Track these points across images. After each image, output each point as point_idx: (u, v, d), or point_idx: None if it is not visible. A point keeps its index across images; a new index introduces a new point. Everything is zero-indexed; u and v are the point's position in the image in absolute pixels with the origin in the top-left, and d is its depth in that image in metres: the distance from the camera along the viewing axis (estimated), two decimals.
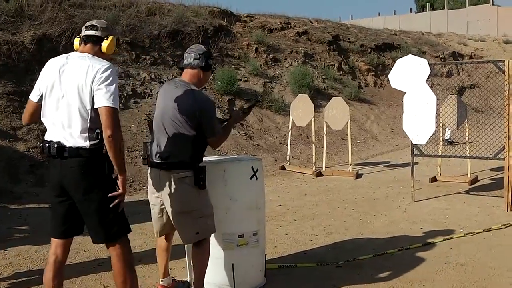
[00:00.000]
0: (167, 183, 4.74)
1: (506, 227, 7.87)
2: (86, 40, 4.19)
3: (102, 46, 4.18)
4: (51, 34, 14.03)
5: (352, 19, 51.65)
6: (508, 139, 9.09)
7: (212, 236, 5.06)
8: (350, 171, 12.68)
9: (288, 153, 13.85)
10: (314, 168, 12.98)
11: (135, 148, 12.31)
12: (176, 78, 5.18)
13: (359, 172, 12.80)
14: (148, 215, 8.43)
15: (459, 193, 10.32)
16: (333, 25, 27.87)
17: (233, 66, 18.66)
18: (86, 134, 3.97)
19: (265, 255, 5.70)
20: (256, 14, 24.52)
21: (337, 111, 12.97)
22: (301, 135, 16.09)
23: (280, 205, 9.50)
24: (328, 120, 13.18)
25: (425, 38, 33.38)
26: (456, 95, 11.81)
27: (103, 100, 3.88)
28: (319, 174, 12.72)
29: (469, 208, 9.13)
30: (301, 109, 13.37)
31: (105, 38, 4.19)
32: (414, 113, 9.28)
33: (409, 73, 9.43)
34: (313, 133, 13.40)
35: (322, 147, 13.45)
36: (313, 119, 13.15)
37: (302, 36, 23.70)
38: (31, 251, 6.82)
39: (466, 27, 41.86)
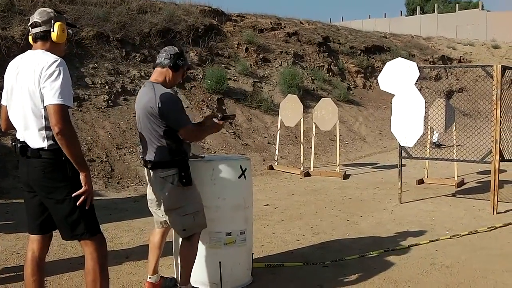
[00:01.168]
0: (154, 182, 4.88)
1: (491, 230, 7.94)
2: (34, 38, 4.09)
3: (52, 38, 4.07)
4: None
5: (342, 20, 51.87)
6: (496, 143, 9.16)
7: (200, 234, 5.08)
8: (338, 171, 12.73)
9: (277, 152, 13.90)
10: (302, 168, 13.02)
11: (124, 145, 12.31)
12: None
13: (347, 173, 12.85)
14: (136, 212, 8.52)
15: (446, 195, 10.39)
16: (324, 26, 27.93)
17: (223, 65, 18.68)
18: (44, 134, 3.90)
19: (252, 254, 5.72)
20: (247, 14, 24.54)
21: (326, 112, 13.02)
22: (289, 135, 16.14)
23: (267, 205, 9.53)
24: (316, 120, 13.22)
25: (415, 41, 33.52)
26: (444, 99, 11.88)
27: (48, 97, 3.77)
28: (307, 174, 12.76)
29: (455, 210, 9.20)
30: (290, 109, 13.41)
31: (52, 29, 4.06)
32: (403, 116, 9.33)
33: (398, 76, 9.48)
34: (302, 134, 13.43)
35: (311, 148, 13.51)
36: (301, 119, 13.19)
37: (292, 37, 23.75)
38: (18, 246, 6.82)
39: (455, 31, 42.09)
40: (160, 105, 4.72)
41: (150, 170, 4.88)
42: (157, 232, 5.31)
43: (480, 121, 12.72)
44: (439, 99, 11.82)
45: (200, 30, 19.41)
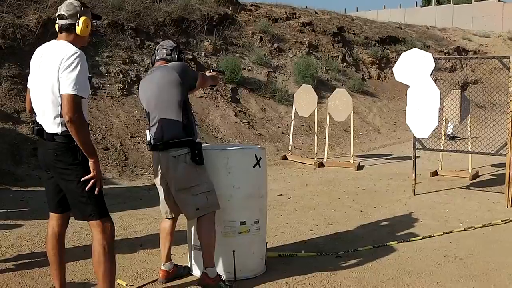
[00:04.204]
0: (166, 163, 5.00)
1: (505, 222, 7.90)
2: (60, 29, 4.29)
3: (76, 31, 4.26)
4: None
5: (357, 11, 51.50)
6: (511, 136, 9.11)
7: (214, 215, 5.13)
8: (352, 162, 12.69)
9: (290, 143, 13.88)
10: (315, 159, 13.00)
11: (138, 134, 12.35)
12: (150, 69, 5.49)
13: (361, 164, 12.82)
14: (150, 201, 8.56)
15: (460, 188, 10.34)
16: (338, 16, 27.82)
17: (237, 55, 18.65)
18: (59, 121, 4.12)
19: (266, 243, 5.74)
20: (262, 4, 24.51)
21: (340, 102, 12.97)
22: (303, 125, 16.12)
23: (281, 195, 9.54)
24: (331, 111, 13.19)
25: (430, 32, 33.30)
26: (459, 90, 11.79)
27: (64, 87, 3.99)
28: (321, 164, 12.74)
29: (469, 203, 9.16)
30: (304, 99, 13.38)
31: (77, 23, 4.24)
32: (418, 107, 9.29)
33: (413, 67, 9.44)
34: (316, 124, 13.41)
35: (324, 138, 13.47)
36: (316, 110, 13.16)
37: (307, 27, 23.66)
38: (33, 233, 6.87)
39: (471, 22, 41.73)
40: (178, 72, 5.03)
41: (161, 152, 5.01)
42: (167, 219, 5.36)
43: (496, 113, 12.63)
44: (454, 90, 11.74)
45: (214, 20, 19.38)
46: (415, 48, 10.13)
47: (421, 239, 6.94)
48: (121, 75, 14.08)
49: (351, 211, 8.50)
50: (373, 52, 24.68)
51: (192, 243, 5.46)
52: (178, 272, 5.46)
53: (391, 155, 14.51)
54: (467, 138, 11.62)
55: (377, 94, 21.90)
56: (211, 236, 5.02)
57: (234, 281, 5.18)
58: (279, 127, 15.79)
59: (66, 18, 4.24)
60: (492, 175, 11.64)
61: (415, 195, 9.60)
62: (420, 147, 10.01)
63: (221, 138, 13.92)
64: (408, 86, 9.53)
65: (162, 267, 5.33)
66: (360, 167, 12.54)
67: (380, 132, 18.14)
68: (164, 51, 5.29)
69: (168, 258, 5.35)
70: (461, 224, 7.71)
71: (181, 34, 17.49)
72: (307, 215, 8.14)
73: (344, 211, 8.48)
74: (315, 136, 13.48)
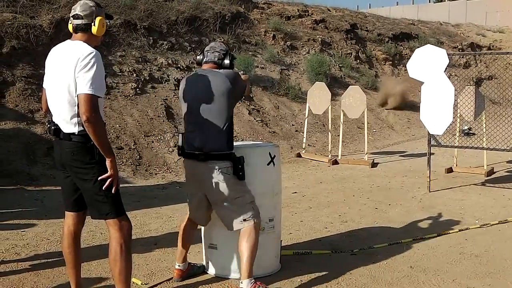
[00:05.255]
0: (207, 174, 4.89)
1: None
2: (75, 29, 4.30)
3: (92, 31, 4.28)
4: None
5: (370, 7, 51.34)
6: None
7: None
8: (366, 160, 12.65)
9: (304, 140, 13.84)
10: (330, 156, 12.97)
11: (152, 133, 12.36)
12: (197, 71, 5.23)
13: (375, 161, 12.78)
14: (164, 200, 8.59)
15: (475, 184, 10.28)
16: (351, 13, 27.70)
17: (250, 53, 18.63)
18: (75, 121, 4.15)
19: (281, 241, 5.73)
20: (274, 1, 24.45)
21: (354, 99, 12.92)
22: (317, 123, 16.06)
23: (295, 192, 9.52)
24: (344, 108, 13.14)
25: (443, 28, 33.11)
26: (474, 86, 11.74)
27: (81, 87, 4.01)
28: (335, 162, 12.71)
29: (484, 199, 9.10)
30: (317, 97, 13.34)
31: (93, 23, 4.26)
32: (432, 103, 9.23)
33: (427, 63, 9.38)
34: (330, 121, 13.36)
35: (338, 135, 13.44)
36: (329, 107, 13.12)
37: (320, 24, 23.59)
38: (48, 233, 6.91)
39: (485, 18, 41.47)
40: (232, 82, 4.89)
41: (200, 162, 4.90)
42: (189, 221, 5.34)
43: (511, 109, 12.53)
44: (468, 86, 11.68)
45: (227, 18, 19.38)
46: (428, 44, 10.07)
47: (436, 236, 6.91)
48: (134, 74, 14.10)
49: (365, 208, 8.47)
50: (386, 49, 24.57)
51: (207, 242, 5.47)
52: (193, 270, 5.46)
53: (405, 152, 14.45)
54: (482, 134, 11.55)
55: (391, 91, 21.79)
56: (255, 248, 4.92)
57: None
58: (292, 125, 15.76)
59: (82, 18, 4.25)
60: (507, 172, 11.57)
61: (430, 192, 9.55)
62: (435, 143, 9.96)
63: (235, 136, 13.90)
64: (422, 83, 9.48)
65: (177, 267, 5.34)
66: (374, 164, 12.50)
67: (394, 129, 18.05)
68: (217, 54, 5.09)
69: (185, 259, 5.36)
70: (477, 221, 7.66)
71: (193, 32, 17.50)
72: (322, 213, 8.12)
73: (359, 208, 8.46)
74: (329, 133, 13.45)
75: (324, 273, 5.54)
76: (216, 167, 4.83)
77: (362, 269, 5.65)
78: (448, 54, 9.45)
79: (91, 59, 4.05)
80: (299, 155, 13.41)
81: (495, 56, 25.54)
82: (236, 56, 5.42)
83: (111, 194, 4.19)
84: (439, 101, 9.15)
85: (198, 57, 5.27)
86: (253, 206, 4.99)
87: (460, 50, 28.24)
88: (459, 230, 7.16)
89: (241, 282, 4.90)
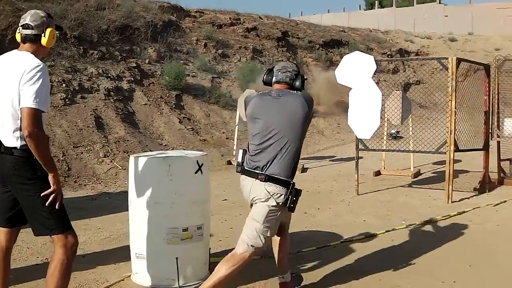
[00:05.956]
0: (260, 190, 4.67)
1: (446, 218, 8.11)
2: (24, 39, 4.18)
3: (42, 42, 4.17)
4: None
5: (301, 15, 51.97)
6: (450, 134, 9.33)
7: (156, 230, 5.16)
8: None
9: (235, 147, 13.88)
10: None
11: (81, 143, 12.20)
12: (271, 90, 4.93)
13: (305, 166, 12.93)
14: (93, 211, 8.49)
15: (402, 186, 10.55)
16: (282, 21, 28.01)
17: (181, 62, 18.64)
18: (18, 134, 4.02)
19: (210, 248, 5.74)
20: (206, 10, 24.55)
21: None
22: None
23: (225, 200, 9.54)
24: None
25: (373, 35, 33.79)
26: (401, 91, 12.02)
27: (24, 100, 3.89)
28: None
29: (411, 200, 9.35)
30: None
31: (43, 34, 4.15)
32: (359, 108, 9.40)
33: (355, 69, 9.55)
34: None
35: None
36: None
37: (251, 32, 23.80)
38: None
39: (413, 24, 42.50)
40: (310, 107, 4.70)
41: (258, 180, 4.68)
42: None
43: (436, 112, 12.90)
44: (395, 91, 11.96)
45: (158, 26, 19.36)
46: (356, 51, 10.26)
47: (364, 238, 7.05)
48: (64, 85, 13.89)
49: (295, 213, 8.46)
50: (317, 56, 24.92)
51: (134, 251, 5.45)
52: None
53: (335, 156, 14.68)
54: (409, 137, 11.83)
55: (322, 97, 22.06)
56: (231, 277, 4.68)
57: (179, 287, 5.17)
58: (223, 133, 15.81)
59: (32, 29, 4.13)
60: (433, 173, 11.90)
61: (358, 195, 9.74)
62: (363, 147, 10.15)
63: (165, 145, 13.86)
64: (351, 88, 9.65)
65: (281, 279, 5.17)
66: (304, 170, 12.64)
67: (324, 135, 18.32)
68: (289, 74, 4.85)
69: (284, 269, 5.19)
70: (403, 222, 7.86)
71: (124, 41, 17.39)
72: None
73: None
74: None
75: (253, 278, 5.56)
76: (269, 190, 4.62)
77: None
78: (377, 60, 9.67)
79: (37, 72, 3.94)
80: (229, 163, 13.43)
81: (423, 62, 26.18)
82: (306, 77, 5.12)
83: (55, 209, 4.07)
84: (366, 106, 9.33)
85: (266, 76, 5.07)
86: (266, 240, 4.73)
87: (389, 56, 28.88)
88: (386, 231, 7.33)
89: (282, 278, 5.11)
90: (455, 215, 8.35)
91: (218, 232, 7.27)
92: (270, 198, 4.62)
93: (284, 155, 4.62)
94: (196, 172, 5.39)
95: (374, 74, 9.48)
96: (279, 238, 5.17)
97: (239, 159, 5.00)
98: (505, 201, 9.30)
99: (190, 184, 5.36)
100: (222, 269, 4.61)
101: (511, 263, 6.21)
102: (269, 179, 4.60)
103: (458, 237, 7.12)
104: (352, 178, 10.35)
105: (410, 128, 11.84)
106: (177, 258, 5.18)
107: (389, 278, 5.59)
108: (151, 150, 11.99)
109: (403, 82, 25.44)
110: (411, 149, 11.12)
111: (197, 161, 5.42)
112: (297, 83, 4.84)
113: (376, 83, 9.52)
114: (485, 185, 10.38)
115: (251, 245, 4.66)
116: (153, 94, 16.02)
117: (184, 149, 13.27)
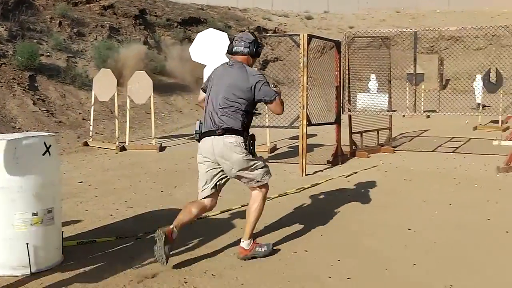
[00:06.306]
0: (226, 149, 5.36)
1: (300, 191, 8.38)
2: None
3: None
4: None
5: None
6: (303, 109, 9.61)
7: (4, 216, 4.98)
8: (154, 144, 12.75)
9: (91, 128, 13.60)
10: (117, 143, 12.88)
11: None
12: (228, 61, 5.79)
13: (163, 145, 12.91)
14: None
15: None
16: None
17: (35, 41, 17.95)
18: None
19: (62, 232, 5.61)
20: None
21: (140, 85, 12.93)
22: (104, 110, 15.87)
23: (81, 182, 9.31)
24: (131, 94, 13.10)
25: (231, 13, 34.04)
26: (256, 68, 12.20)
27: None
28: (123, 148, 12.66)
29: None
30: (103, 83, 13.14)
31: None
32: None
33: (209, 47, 9.60)
34: (116, 108, 13.26)
35: (126, 122, 13.36)
36: (116, 93, 13.00)
37: (108, 10, 23.32)
38: None
39: (271, 2, 43.17)
40: (253, 83, 5.35)
41: (219, 137, 5.34)
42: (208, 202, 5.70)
43: (294, 89, 13.22)
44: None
45: (10, 4, 18.53)
46: (210, 28, 10.31)
47: (220, 213, 7.15)
48: None
49: (151, 192, 8.53)
50: (175, 34, 24.81)
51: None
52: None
53: (193, 134, 14.69)
54: (265, 113, 12.06)
55: (180, 75, 22.01)
56: (262, 209, 5.64)
57: (31, 274, 5.04)
58: (80, 113, 15.44)
59: None
60: (289, 147, 12.22)
61: None
62: None
63: (19, 128, 13.35)
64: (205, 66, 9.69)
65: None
66: (162, 148, 12.64)
67: (182, 113, 18.30)
68: (243, 43, 5.52)
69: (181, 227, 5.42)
70: None
71: None
72: (108, 200, 8.03)
73: (145, 193, 8.50)
74: (116, 120, 13.35)
75: (109, 259, 5.51)
76: (230, 141, 5.32)
77: (145, 252, 5.63)
78: (233, 37, 9.73)
79: None
80: (86, 144, 13.13)
81: (280, 39, 26.68)
82: (264, 45, 5.83)
83: None
84: None
85: (228, 47, 5.76)
86: (264, 167, 5.62)
87: None
88: (242, 206, 7.44)
89: (242, 242, 5.57)
90: (308, 187, 8.65)
91: (73, 214, 7.09)
92: (235, 148, 5.34)
93: (235, 113, 5.36)
94: (44, 154, 5.23)
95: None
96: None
97: (197, 129, 5.68)
98: (356, 172, 9.71)
99: (38, 166, 5.18)
100: (251, 214, 5.60)
101: (358, 228, 6.57)
102: (227, 131, 5.33)
103: (310, 208, 7.39)
104: None
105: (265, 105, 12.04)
106: (27, 244, 5.03)
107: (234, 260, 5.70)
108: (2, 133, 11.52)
109: (261, 60, 25.83)
110: (266, 125, 11.34)
111: (45, 142, 5.25)
112: (250, 49, 5.53)
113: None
114: (338, 158, 10.79)
115: (258, 181, 5.59)
116: (4, 75, 15.34)
117: (38, 132, 12.85)
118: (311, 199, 7.94)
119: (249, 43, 5.53)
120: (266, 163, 5.71)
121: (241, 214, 6.82)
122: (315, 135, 12.82)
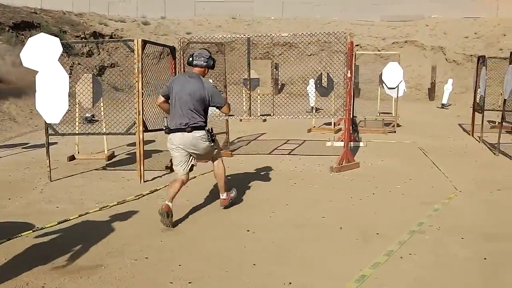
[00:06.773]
0: (194, 141, 7.14)
1: (139, 198, 8.34)
2: None
3: None
4: None
5: None
6: (139, 115, 9.55)
7: None
8: None
9: None
10: None
11: None
12: (187, 72, 8.04)
13: None
14: None
15: (96, 169, 10.57)
16: None
17: None
18: None
19: None
20: None
21: None
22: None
23: None
24: None
25: (67, 18, 33.07)
26: (91, 74, 11.99)
27: None
28: None
29: (105, 183, 9.41)
30: None
31: None
32: (47, 92, 9.21)
33: (41, 52, 9.31)
34: None
35: None
36: None
37: None
38: None
39: (107, 8, 42.44)
40: (209, 92, 7.17)
41: (188, 133, 7.06)
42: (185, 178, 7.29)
43: (132, 95, 13.09)
44: (86, 74, 11.91)
45: None
46: (42, 33, 9.98)
47: (57, 224, 6.94)
48: None
49: None
50: (7, 38, 23.76)
51: None
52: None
53: (28, 143, 14.14)
54: (102, 120, 11.87)
55: (13, 81, 21.08)
56: (224, 171, 7.65)
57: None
58: None
59: None
60: (127, 154, 12.11)
61: (51, 181, 9.53)
62: (53, 132, 9.94)
63: None
64: (37, 72, 9.39)
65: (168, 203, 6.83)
66: None
67: (16, 121, 17.55)
68: (202, 58, 7.27)
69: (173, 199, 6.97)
70: (97, 204, 7.91)
71: None
72: None
73: None
74: None
75: None
76: (197, 135, 7.12)
77: None
78: (68, 43, 9.50)
79: None
80: None
81: (117, 45, 26.31)
82: (215, 59, 7.71)
83: None
84: (54, 89, 9.18)
85: (188, 60, 7.39)
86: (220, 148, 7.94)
87: (83, 39, 28.51)
88: (80, 215, 7.31)
89: (222, 195, 7.67)
90: (147, 193, 8.62)
91: None
92: (201, 139, 7.16)
93: (198, 114, 7.14)
94: None
95: (69, 57, 9.36)
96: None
97: (165, 124, 7.23)
98: (195, 177, 9.77)
99: None
100: (221, 174, 7.61)
101: (198, 232, 6.71)
102: (195, 128, 7.09)
103: (149, 214, 7.34)
104: (45, 165, 9.99)
105: (102, 111, 11.87)
106: None
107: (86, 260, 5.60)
108: None
109: (99, 65, 25.37)
110: (103, 132, 11.15)
111: None
112: (208, 63, 7.33)
113: (70, 66, 9.39)
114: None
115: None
116: None
117: None
118: (149, 205, 7.91)
119: (207, 58, 7.28)
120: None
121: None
122: (153, 141, 12.77)
